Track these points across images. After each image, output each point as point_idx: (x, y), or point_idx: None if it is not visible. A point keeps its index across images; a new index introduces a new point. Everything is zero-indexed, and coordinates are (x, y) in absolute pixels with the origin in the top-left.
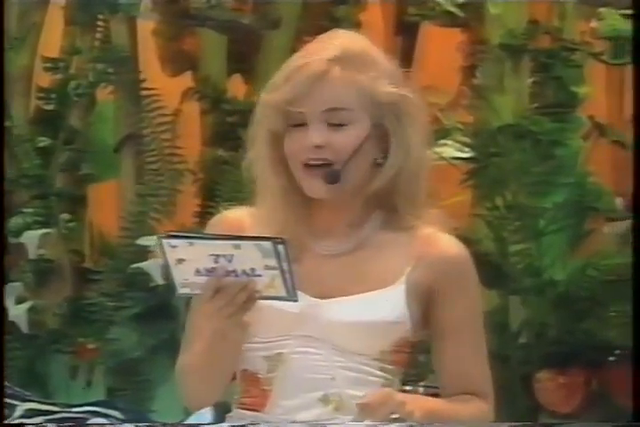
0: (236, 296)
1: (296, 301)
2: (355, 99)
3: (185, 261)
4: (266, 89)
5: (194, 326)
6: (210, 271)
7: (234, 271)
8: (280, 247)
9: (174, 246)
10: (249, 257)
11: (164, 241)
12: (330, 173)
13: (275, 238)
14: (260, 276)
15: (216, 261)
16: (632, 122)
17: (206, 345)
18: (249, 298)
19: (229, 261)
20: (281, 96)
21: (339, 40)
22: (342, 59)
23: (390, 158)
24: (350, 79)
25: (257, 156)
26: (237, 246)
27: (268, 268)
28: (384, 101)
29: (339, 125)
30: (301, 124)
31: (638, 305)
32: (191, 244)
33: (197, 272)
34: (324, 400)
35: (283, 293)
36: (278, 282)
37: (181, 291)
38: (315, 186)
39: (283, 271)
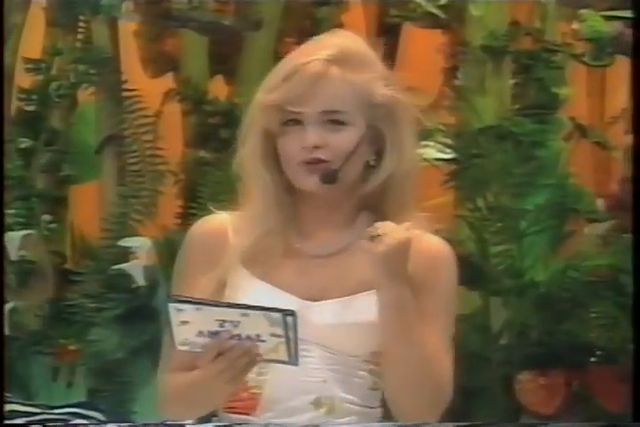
0: (238, 360)
1: (297, 365)
2: (351, 100)
3: (189, 323)
4: (262, 88)
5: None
6: (213, 334)
7: (238, 335)
8: (289, 319)
9: (180, 310)
10: (256, 325)
11: (171, 305)
12: (327, 173)
13: (285, 310)
14: (264, 341)
15: (221, 326)
16: (632, 123)
17: (195, 386)
18: (250, 362)
19: (235, 326)
20: (280, 96)
21: (336, 40)
22: (339, 59)
23: (385, 161)
24: (348, 80)
25: (249, 154)
26: (246, 315)
27: (273, 335)
28: (379, 103)
29: (335, 126)
30: (296, 123)
31: (638, 307)
32: (198, 309)
33: (200, 333)
34: (316, 404)
35: (285, 358)
36: (282, 348)
37: (180, 348)
38: (310, 182)
39: (288, 340)
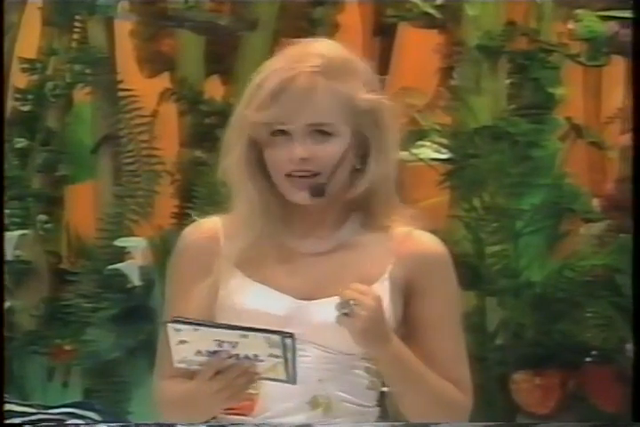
0: (236, 379)
1: (295, 384)
2: (338, 111)
3: (187, 343)
4: (249, 104)
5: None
6: (211, 353)
7: (236, 355)
8: (288, 341)
9: (179, 330)
10: (254, 346)
11: (169, 325)
12: (315, 186)
13: (284, 333)
14: (262, 361)
15: (220, 346)
16: (632, 122)
17: (192, 399)
18: (248, 380)
19: (234, 346)
20: (271, 116)
21: (319, 49)
22: (325, 69)
23: (371, 165)
24: (334, 90)
25: (234, 162)
26: (244, 336)
27: (272, 356)
28: (363, 109)
29: (322, 137)
30: (283, 133)
31: (637, 308)
32: (196, 330)
33: (198, 352)
34: (313, 403)
35: (283, 377)
36: (280, 368)
37: (178, 365)
38: (298, 195)
39: (286, 360)
